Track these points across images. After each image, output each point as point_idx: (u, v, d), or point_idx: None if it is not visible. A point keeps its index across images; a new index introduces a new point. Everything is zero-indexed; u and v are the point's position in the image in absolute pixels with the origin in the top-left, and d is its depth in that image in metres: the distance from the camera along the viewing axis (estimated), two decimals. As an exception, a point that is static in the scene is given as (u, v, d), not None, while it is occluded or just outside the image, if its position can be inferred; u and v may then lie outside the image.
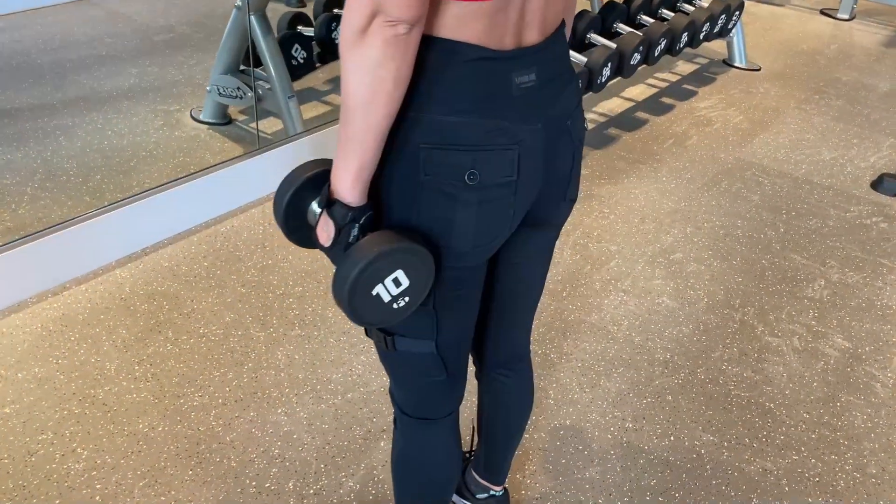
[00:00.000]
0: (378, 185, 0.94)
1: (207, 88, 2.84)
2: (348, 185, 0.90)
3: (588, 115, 3.37)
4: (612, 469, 1.68)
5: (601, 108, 3.45)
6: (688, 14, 3.44)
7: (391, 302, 0.93)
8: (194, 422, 1.70)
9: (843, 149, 3.24)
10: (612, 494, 1.62)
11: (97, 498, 1.52)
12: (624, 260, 2.39)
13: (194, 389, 1.79)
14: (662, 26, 3.17)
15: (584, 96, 3.12)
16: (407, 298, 0.94)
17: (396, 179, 0.93)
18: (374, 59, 0.81)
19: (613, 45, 2.95)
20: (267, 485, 1.58)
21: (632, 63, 3.00)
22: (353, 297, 0.90)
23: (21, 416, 1.69)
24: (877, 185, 2.94)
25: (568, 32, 1.08)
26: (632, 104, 3.52)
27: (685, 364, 1.99)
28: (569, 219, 2.48)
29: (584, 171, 2.89)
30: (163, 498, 1.53)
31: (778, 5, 5.21)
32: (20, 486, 1.53)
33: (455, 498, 1.52)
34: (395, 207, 0.94)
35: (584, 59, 2.83)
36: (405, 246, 0.91)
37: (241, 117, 2.96)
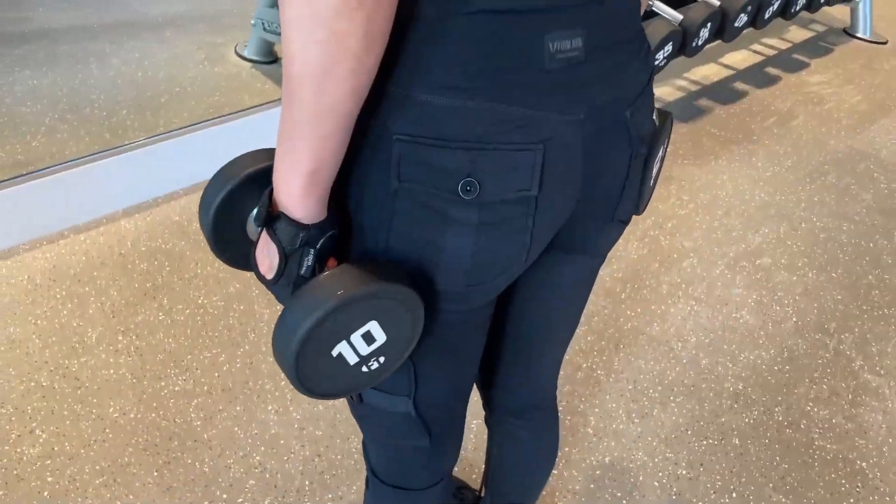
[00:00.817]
0: (346, 194, 0.65)
1: (252, 22, 2.58)
2: (297, 194, 0.60)
3: (676, 82, 2.96)
4: (655, 528, 1.38)
5: (693, 74, 3.02)
6: (809, -28, 2.96)
7: (358, 365, 0.65)
8: (171, 411, 1.48)
9: (981, 145, 2.74)
10: (650, 562, 1.33)
11: (45, 493, 1.32)
12: (700, 260, 2.04)
13: (179, 371, 1.56)
14: (778, -16, 2.71)
15: (675, 60, 2.72)
16: (382, 359, 0.66)
17: (367, 186, 0.63)
18: (332, 5, 0.50)
19: (717, 3, 2.53)
20: (239, 500, 1.34)
21: (736, 25, 2.58)
22: (301, 359, 0.61)
23: (-17, 384, 1.50)
24: None
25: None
26: (731, 73, 3.08)
27: (760, 399, 1.65)
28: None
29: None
30: (118, 502, 1.32)
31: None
32: (-36, 470, 1.34)
33: None
34: (366, 227, 0.65)
35: (679, 17, 2.42)
36: (385, 288, 0.61)
37: (288, 57, 2.69)
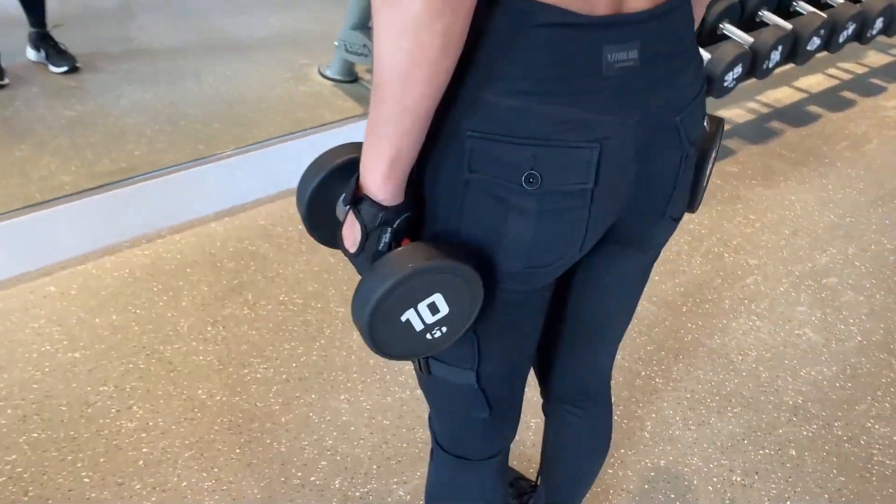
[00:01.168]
0: (422, 182, 0.74)
1: (335, 43, 2.74)
2: (379, 180, 0.70)
3: (748, 104, 2.98)
4: (707, 529, 1.42)
5: (765, 97, 3.04)
6: (886, -4, 2.94)
7: (424, 332, 0.74)
8: (253, 395, 1.60)
9: None
10: (701, 561, 1.37)
11: (140, 462, 1.46)
12: (764, 278, 2.06)
13: (261, 360, 1.69)
14: (853, 8, 2.71)
15: (746, 82, 2.75)
16: (444, 329, 0.75)
17: (441, 176, 0.72)
18: (416, 16, 0.60)
19: (789, 27, 2.55)
20: (312, 478, 1.45)
21: (808, 48, 2.59)
22: (374, 321, 0.71)
23: (88, 364, 1.65)
24: None
25: (698, 11, 0.83)
26: (804, 96, 3.08)
27: (820, 414, 1.67)
28: (705, 222, 2.17)
29: (733, 169, 2.54)
30: (204, 474, 1.44)
31: None
32: (70, 437, 1.49)
33: None
34: (439, 212, 0.74)
35: (750, 40, 2.46)
36: (449, 264, 0.70)
37: (368, 76, 2.84)
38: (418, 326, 0.73)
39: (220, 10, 3.35)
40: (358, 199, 0.72)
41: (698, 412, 1.65)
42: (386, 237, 0.74)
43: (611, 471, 1.51)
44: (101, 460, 1.45)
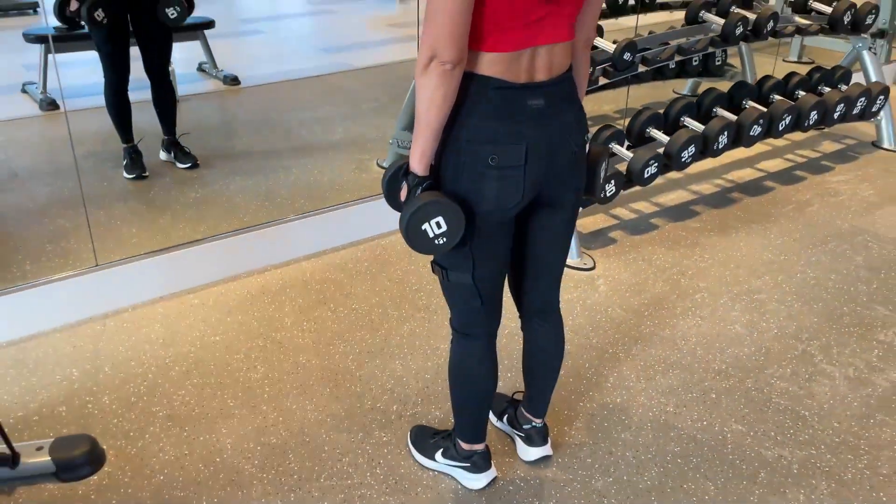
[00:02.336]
0: (438, 166, 1.53)
1: (390, 141, 3.62)
2: (416, 161, 1.49)
3: (716, 181, 3.74)
4: (645, 435, 2.07)
5: (731, 175, 3.80)
6: (821, 95, 3.74)
7: (434, 238, 1.49)
8: (337, 361, 2.35)
9: (973, 225, 3.33)
10: (638, 451, 2.02)
11: (265, 395, 2.19)
12: (709, 295, 2.76)
13: (341, 342, 2.44)
14: (787, 104, 3.50)
15: (716, 166, 3.51)
16: (445, 238, 1.50)
17: (449, 162, 1.51)
18: (433, 84, 1.40)
19: (734, 118, 3.35)
20: (378, 405, 2.16)
21: (751, 134, 3.37)
22: (409, 228, 1.47)
23: (224, 343, 2.43)
24: None
25: (580, 82, 1.61)
26: (763, 174, 3.83)
27: (737, 374, 2.33)
28: (669, 259, 2.89)
29: (696, 225, 3.28)
30: (306, 402, 2.17)
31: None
32: (218, 383, 2.24)
33: (507, 429, 2.02)
34: (446, 179, 1.52)
35: (702, 127, 3.26)
36: (444, 201, 1.47)
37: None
38: (430, 234, 1.48)
39: (301, 123, 4.32)
40: (407, 173, 1.51)
41: (647, 373, 2.33)
42: (418, 191, 1.51)
43: (581, 404, 2.19)
44: (241, 394, 2.20)
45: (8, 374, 2.25)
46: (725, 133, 3.27)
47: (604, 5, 3.89)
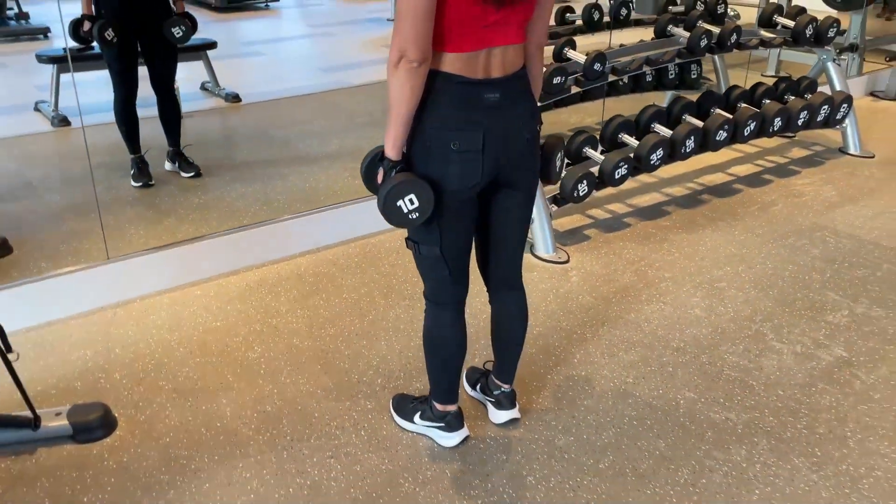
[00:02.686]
0: (409, 151, 1.76)
1: (381, 149, 3.86)
2: (390, 148, 1.72)
3: (688, 184, 3.98)
4: (605, 402, 2.29)
5: (702, 179, 4.04)
6: (785, 103, 3.98)
7: (408, 213, 1.72)
8: (328, 342, 2.57)
9: (926, 221, 3.55)
10: (598, 415, 2.23)
11: (262, 371, 2.41)
12: (674, 283, 2.98)
13: (332, 326, 2.66)
14: (751, 110, 3.74)
15: (689, 171, 3.75)
16: (417, 214, 1.73)
17: (418, 146, 1.74)
18: (402, 80, 1.64)
19: (700, 123, 3.59)
20: (364, 379, 2.38)
21: (717, 139, 3.61)
22: (385, 204, 1.70)
23: (224, 328, 2.65)
24: (942, 248, 3.24)
25: (534, 82, 1.84)
26: (732, 178, 4.07)
27: (693, 351, 2.54)
28: (638, 253, 3.11)
29: (666, 223, 3.51)
30: (298, 377, 2.38)
31: (922, 105, 5.45)
32: (219, 362, 2.46)
33: (479, 396, 2.24)
34: (417, 163, 1.75)
35: (670, 132, 3.50)
36: (415, 180, 1.70)
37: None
38: (404, 210, 1.71)
39: (299, 136, 4.57)
40: (383, 158, 1.74)
41: (611, 351, 2.54)
42: (392, 174, 1.74)
43: (549, 376, 2.40)
44: (239, 370, 2.42)
45: (28, 355, 2.47)
46: (692, 137, 3.51)
47: (579, 21, 4.16)
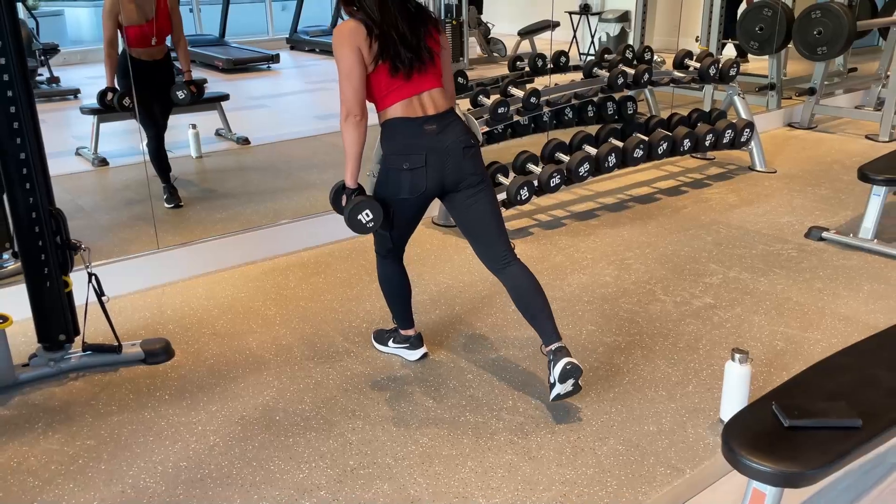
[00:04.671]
0: (378, 174, 2.62)
1: (367, 174, 4.77)
2: (349, 179, 2.56)
3: (618, 195, 4.88)
4: (528, 332, 3.13)
5: (630, 192, 4.94)
6: (693, 128, 4.92)
7: (366, 224, 2.57)
8: (326, 304, 3.42)
9: (803, 216, 4.44)
10: (522, 341, 3.07)
11: (277, 321, 3.25)
12: (592, 261, 3.85)
13: (329, 294, 3.52)
14: (663, 133, 4.67)
15: (616, 185, 4.65)
16: (372, 223, 2.58)
17: (383, 169, 2.60)
18: (350, 131, 2.47)
19: (621, 144, 4.52)
20: (353, 325, 3.23)
21: (635, 156, 4.53)
22: (349, 218, 2.54)
23: (248, 297, 3.51)
24: (807, 234, 4.13)
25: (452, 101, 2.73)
26: (655, 190, 4.98)
27: (598, 302, 3.40)
28: (569, 243, 3.98)
29: (595, 223, 4.40)
30: (305, 324, 3.23)
31: (828, 133, 6.41)
32: (245, 317, 3.31)
33: (552, 376, 2.52)
34: (380, 181, 2.60)
35: (595, 151, 4.42)
36: (369, 200, 2.55)
37: (386, 192, 4.84)
38: (364, 221, 2.57)
39: (297, 167, 5.49)
40: (344, 187, 2.60)
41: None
42: (352, 196, 2.59)
43: (490, 319, 3.25)
44: (260, 321, 3.26)
45: (101, 318, 3.32)
46: (613, 154, 4.43)
47: (526, 67, 5.12)
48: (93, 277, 2.81)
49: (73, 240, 2.78)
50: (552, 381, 2.51)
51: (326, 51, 9.87)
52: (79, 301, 2.87)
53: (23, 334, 3.07)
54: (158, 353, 2.95)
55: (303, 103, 7.76)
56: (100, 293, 2.83)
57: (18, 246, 2.73)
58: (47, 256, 2.71)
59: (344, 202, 2.59)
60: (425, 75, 2.50)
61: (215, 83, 5.12)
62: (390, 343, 2.99)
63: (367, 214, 2.53)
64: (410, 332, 2.93)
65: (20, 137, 2.56)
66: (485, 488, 2.25)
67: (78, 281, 2.86)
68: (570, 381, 2.49)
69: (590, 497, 2.21)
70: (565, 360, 2.47)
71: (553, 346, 2.53)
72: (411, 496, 2.22)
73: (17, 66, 2.50)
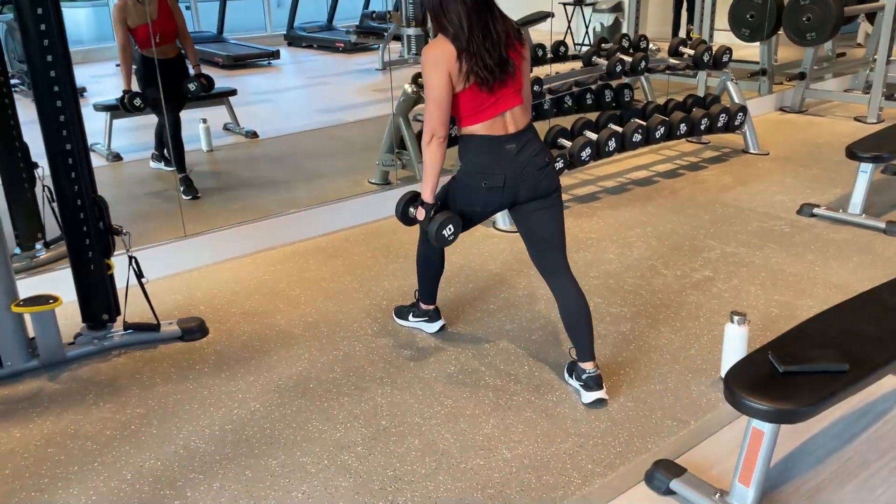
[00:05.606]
0: (454, 185, 2.77)
1: (376, 162, 4.96)
2: (428, 195, 2.68)
3: (618, 179, 5.09)
4: (540, 306, 3.33)
5: (630, 175, 5.15)
6: (689, 113, 5.12)
7: (448, 236, 2.72)
8: (345, 284, 3.62)
9: (795, 194, 4.66)
10: (532, 314, 3.28)
11: (302, 300, 3.45)
12: (596, 240, 4.05)
13: (348, 275, 3.72)
14: (660, 118, 4.88)
15: (615, 169, 4.85)
16: (454, 236, 2.73)
17: (461, 184, 2.74)
18: (434, 151, 2.60)
19: (620, 129, 4.72)
20: (373, 302, 3.43)
21: (633, 140, 4.73)
22: (436, 236, 2.69)
23: (272, 279, 3.70)
24: (799, 211, 4.35)
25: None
26: (653, 173, 5.18)
27: (604, 277, 3.61)
28: (576, 224, 4.19)
29: (598, 205, 4.60)
30: (328, 302, 3.43)
31: (818, 116, 6.62)
32: (271, 297, 3.51)
33: (574, 382, 2.71)
34: (458, 192, 2.75)
35: (595, 136, 4.62)
36: (451, 216, 2.70)
37: (396, 181, 5.03)
38: (447, 234, 2.71)
39: (304, 157, 5.68)
40: (423, 203, 2.74)
41: (541, 282, 3.60)
42: (432, 213, 2.76)
43: (503, 295, 3.45)
44: (286, 300, 3.46)
45: (136, 300, 3.51)
46: (613, 139, 4.63)
47: (526, 58, 5.32)
48: (133, 260, 3.00)
49: (115, 225, 2.97)
50: (581, 393, 2.68)
51: (324, 46, 10.08)
52: (119, 283, 3.06)
53: (63, 316, 3.26)
54: (195, 330, 3.15)
55: (305, 98, 7.94)
56: (140, 275, 3.02)
57: (64, 232, 2.92)
58: (91, 241, 2.90)
59: (418, 215, 2.70)
60: (508, 89, 2.54)
61: (216, 79, 5.26)
62: (410, 317, 3.19)
63: (450, 229, 2.65)
64: (430, 307, 3.13)
65: (66, 130, 2.75)
66: (507, 441, 2.45)
67: (118, 264, 3.05)
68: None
69: (604, 446, 2.42)
70: (598, 394, 2.65)
71: (591, 371, 2.67)
72: (440, 449, 2.42)
73: (63, 64, 2.69)
